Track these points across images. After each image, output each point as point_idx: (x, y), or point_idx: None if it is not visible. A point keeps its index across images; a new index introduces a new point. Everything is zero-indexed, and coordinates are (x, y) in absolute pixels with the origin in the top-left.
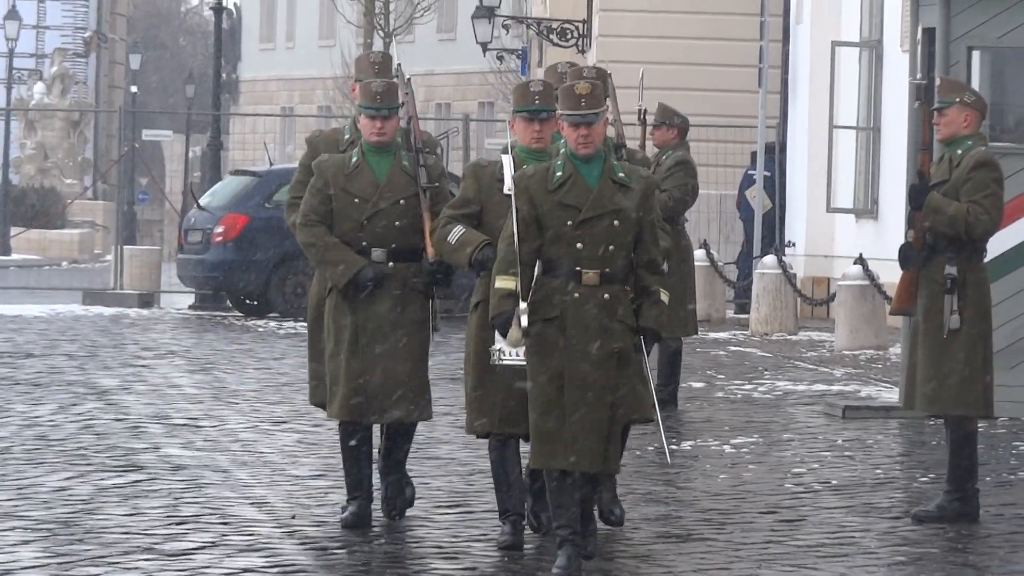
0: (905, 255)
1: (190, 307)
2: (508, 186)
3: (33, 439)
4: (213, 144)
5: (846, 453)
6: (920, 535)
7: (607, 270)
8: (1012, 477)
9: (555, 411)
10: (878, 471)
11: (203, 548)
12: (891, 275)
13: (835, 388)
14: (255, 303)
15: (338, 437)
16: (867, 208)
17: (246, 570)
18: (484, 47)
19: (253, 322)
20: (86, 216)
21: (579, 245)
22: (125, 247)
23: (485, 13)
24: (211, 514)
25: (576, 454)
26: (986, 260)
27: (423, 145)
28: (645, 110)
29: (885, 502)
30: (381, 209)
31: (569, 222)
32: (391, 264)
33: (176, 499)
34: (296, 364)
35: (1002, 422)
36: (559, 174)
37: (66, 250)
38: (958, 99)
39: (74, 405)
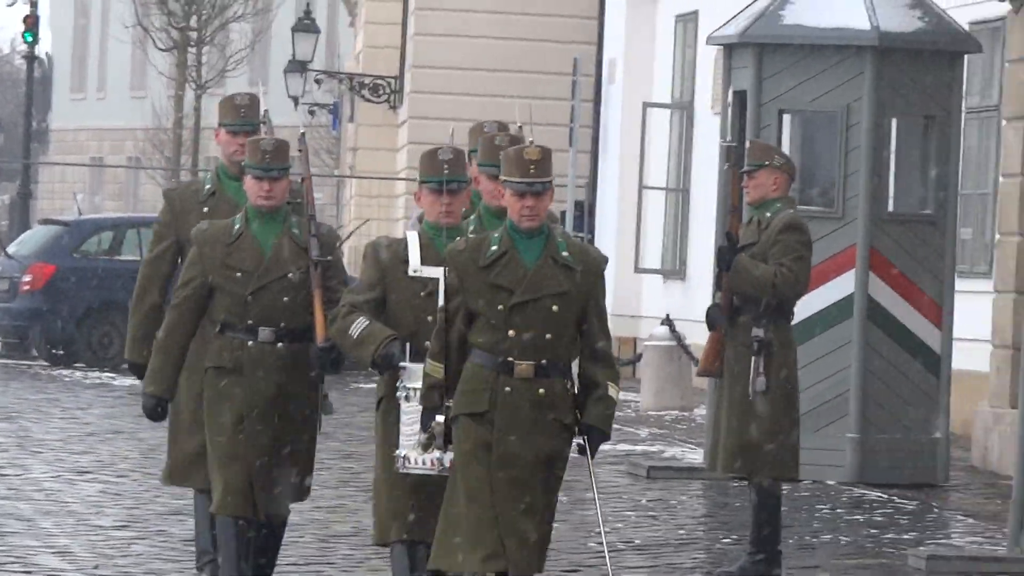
0: (712, 316)
1: None
2: (414, 267)
3: None
4: (22, 193)
5: (650, 513)
6: None
7: (543, 361)
8: (815, 540)
9: (478, 510)
10: (681, 531)
11: None
12: (698, 336)
13: (640, 448)
14: (62, 352)
15: (160, 503)
16: (675, 269)
17: None
18: (296, 101)
19: (59, 371)
20: None
21: (511, 332)
22: None
23: (297, 67)
24: (14, 563)
25: (504, 556)
26: (793, 323)
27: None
28: None
29: (688, 562)
30: (267, 284)
31: (500, 306)
32: (279, 345)
33: None
34: (101, 414)
35: (805, 484)
36: (494, 248)
37: None
38: (768, 162)
39: None
